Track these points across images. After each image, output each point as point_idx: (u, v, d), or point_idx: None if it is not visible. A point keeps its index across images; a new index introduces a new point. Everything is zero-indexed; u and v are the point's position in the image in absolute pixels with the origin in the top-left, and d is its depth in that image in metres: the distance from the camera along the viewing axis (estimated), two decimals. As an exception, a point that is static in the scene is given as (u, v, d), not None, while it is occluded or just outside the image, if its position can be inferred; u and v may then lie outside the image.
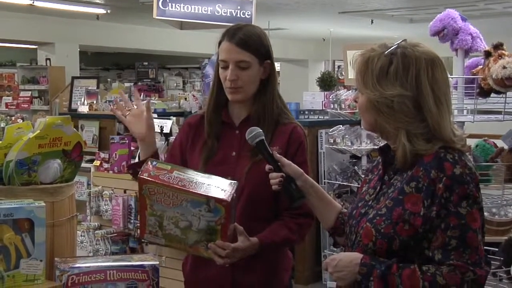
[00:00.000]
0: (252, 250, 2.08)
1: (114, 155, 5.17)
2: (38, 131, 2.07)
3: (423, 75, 1.66)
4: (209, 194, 1.84)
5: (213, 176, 1.91)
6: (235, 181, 1.90)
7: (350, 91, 5.76)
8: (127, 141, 5.17)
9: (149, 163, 1.91)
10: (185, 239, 1.93)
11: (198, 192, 1.84)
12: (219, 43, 2.19)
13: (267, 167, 1.94)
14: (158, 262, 1.97)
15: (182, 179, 1.86)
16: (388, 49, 1.69)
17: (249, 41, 2.16)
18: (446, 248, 1.61)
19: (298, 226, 2.18)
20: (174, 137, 4.82)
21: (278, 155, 1.95)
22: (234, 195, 1.86)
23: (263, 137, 2.00)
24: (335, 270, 1.70)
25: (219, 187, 1.86)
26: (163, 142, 5.03)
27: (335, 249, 5.45)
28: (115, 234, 5.06)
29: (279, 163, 1.94)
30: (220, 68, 2.20)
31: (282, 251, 2.29)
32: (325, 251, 5.66)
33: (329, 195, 2.01)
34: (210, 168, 2.12)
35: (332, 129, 5.64)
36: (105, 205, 5.16)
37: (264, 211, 2.19)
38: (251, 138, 1.99)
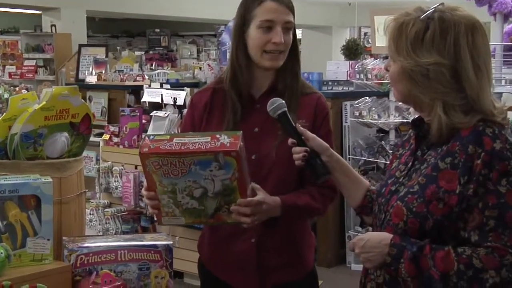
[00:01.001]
0: (275, 209, 2.09)
1: (124, 128, 5.22)
2: (44, 102, 2.07)
3: (463, 41, 1.64)
4: (215, 149, 1.85)
5: (216, 133, 1.92)
6: (240, 131, 1.90)
7: (377, 60, 5.72)
8: (138, 114, 5.21)
9: (146, 138, 1.93)
10: (204, 210, 1.94)
11: (204, 149, 1.85)
12: (259, 3, 2.15)
13: (290, 141, 1.95)
14: (171, 242, 1.98)
15: (184, 143, 1.87)
16: (424, 13, 1.67)
17: (290, 2, 2.17)
18: (483, 229, 1.60)
19: (322, 196, 2.20)
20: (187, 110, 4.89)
21: (301, 128, 1.96)
22: (241, 144, 1.87)
23: (286, 109, 1.99)
24: (362, 251, 1.70)
25: (223, 140, 1.87)
26: (177, 115, 5.06)
27: (360, 229, 5.47)
28: (126, 213, 5.14)
29: (303, 137, 1.94)
30: (258, 30, 2.15)
31: (305, 230, 2.31)
32: (349, 231, 5.67)
33: (356, 172, 2.01)
34: None
35: (357, 101, 5.62)
36: (115, 181, 5.22)
37: (292, 189, 2.18)
38: (273, 110, 1.99)
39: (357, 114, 5.54)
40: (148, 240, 1.99)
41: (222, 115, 2.22)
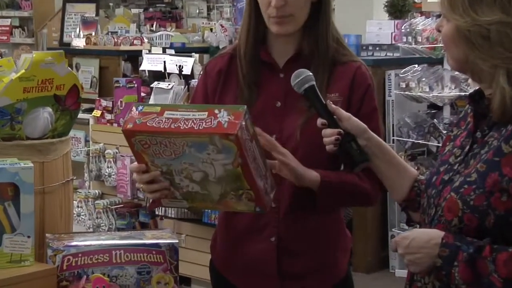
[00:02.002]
0: (312, 181, 2.10)
1: (119, 103, 5.19)
2: (23, 71, 2.07)
3: None
4: (209, 130, 1.87)
5: (216, 107, 1.93)
6: (243, 107, 1.91)
7: (429, 19, 5.68)
8: (135, 85, 5.20)
9: (134, 108, 1.95)
10: (208, 194, 1.98)
11: (196, 130, 1.87)
12: None
13: (319, 121, 1.95)
14: (177, 241, 2.00)
15: (176, 120, 1.90)
16: None
17: None
18: None
19: (370, 180, 2.16)
20: (196, 81, 4.89)
21: (333, 106, 1.96)
22: (243, 123, 1.87)
23: (314, 82, 2.00)
24: (407, 252, 1.71)
25: (222, 118, 1.88)
26: (182, 87, 5.07)
27: (407, 227, 5.45)
28: (121, 205, 5.13)
29: (335, 116, 1.95)
30: None
31: (338, 227, 2.31)
32: (393, 230, 5.67)
33: (400, 158, 2.01)
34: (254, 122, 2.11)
35: (404, 70, 5.59)
36: (108, 167, 5.20)
37: None
38: (298, 84, 2.00)
39: (404, 86, 5.52)
40: (148, 238, 2.00)
41: (238, 86, 2.23)
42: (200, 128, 1.87)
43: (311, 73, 2.01)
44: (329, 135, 1.92)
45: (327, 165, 2.15)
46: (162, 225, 4.96)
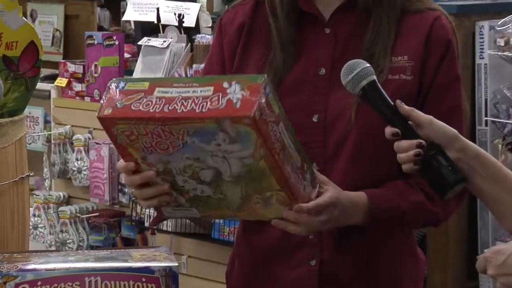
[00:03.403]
0: (356, 214, 2.13)
1: (93, 67, 5.21)
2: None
3: None
4: (216, 113, 1.89)
5: (225, 78, 1.96)
6: (262, 76, 1.92)
7: None
8: (117, 42, 5.21)
9: (113, 86, 1.99)
10: (224, 199, 2.03)
11: (198, 113, 1.89)
12: None
13: (389, 130, 1.97)
14: (176, 264, 2.00)
15: (170, 100, 1.92)
16: None
17: None
18: None
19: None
20: (202, 36, 4.99)
21: (406, 107, 1.97)
22: (263, 101, 1.88)
23: (374, 77, 2.02)
24: (501, 272, 1.73)
25: (232, 95, 1.89)
26: (183, 45, 5.10)
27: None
28: (96, 214, 5.15)
29: (410, 122, 1.96)
30: None
31: (406, 247, 2.32)
32: (485, 251, 5.64)
33: (507, 169, 2.00)
34: (286, 96, 2.13)
35: (503, 20, 5.56)
36: (77, 160, 5.23)
37: (383, 175, 2.21)
38: (352, 82, 2.01)
39: (502, 44, 5.49)
40: (136, 259, 2.01)
41: (267, 45, 2.25)
42: (204, 110, 1.88)
43: (368, 64, 2.02)
44: (405, 149, 1.93)
45: (394, 162, 2.09)
46: (154, 242, 5.02)
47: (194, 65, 4.98)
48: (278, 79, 2.21)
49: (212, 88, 1.89)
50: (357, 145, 2.16)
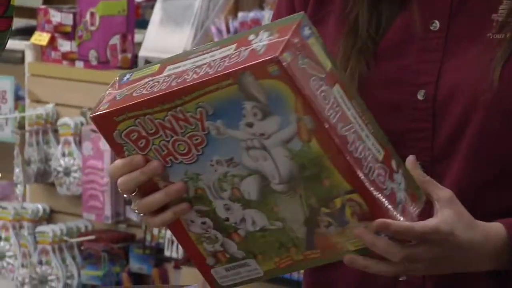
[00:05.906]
0: (482, 253, 1.86)
1: (88, 17, 5.11)
2: None
3: None
4: (232, 67, 1.71)
5: (257, 28, 1.76)
6: (300, 14, 1.74)
7: None
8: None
9: (116, 81, 1.88)
10: (285, 229, 1.80)
11: (210, 75, 1.73)
12: None
13: None
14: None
15: (182, 73, 1.78)
16: None
17: None
18: None
19: None
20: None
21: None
22: (296, 41, 1.70)
23: None
24: None
25: (257, 44, 1.70)
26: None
27: None
28: (92, 238, 5.06)
29: None
30: None
31: None
32: None
33: None
34: (379, 64, 2.00)
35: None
36: (64, 156, 5.12)
37: None
38: None
39: None
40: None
41: None
42: (219, 69, 1.71)
43: None
44: None
45: None
46: (178, 279, 4.79)
47: (239, 14, 4.94)
48: (371, 40, 2.01)
49: (234, 45, 1.74)
50: (483, 131, 1.92)
